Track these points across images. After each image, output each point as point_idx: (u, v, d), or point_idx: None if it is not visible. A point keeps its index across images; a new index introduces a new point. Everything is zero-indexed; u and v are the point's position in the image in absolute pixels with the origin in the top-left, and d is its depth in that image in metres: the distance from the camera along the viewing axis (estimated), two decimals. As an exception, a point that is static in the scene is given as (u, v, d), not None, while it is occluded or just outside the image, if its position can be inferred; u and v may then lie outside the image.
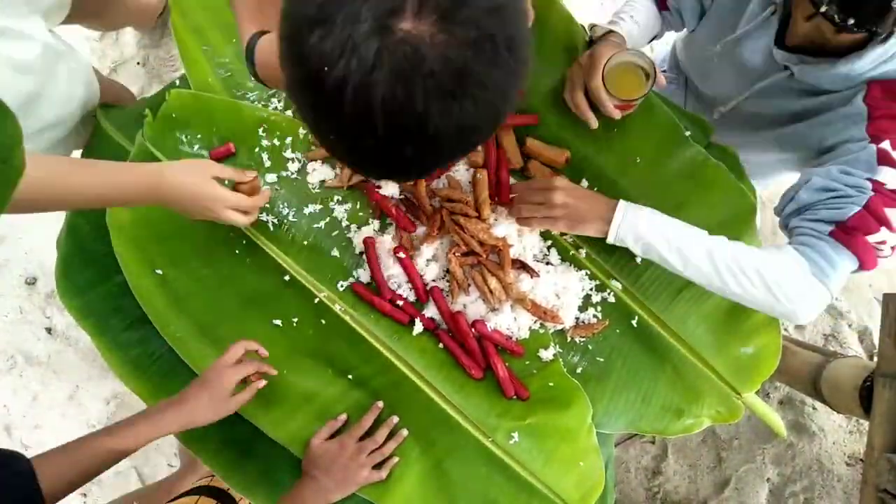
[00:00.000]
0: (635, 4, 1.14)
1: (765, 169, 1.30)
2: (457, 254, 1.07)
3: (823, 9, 0.85)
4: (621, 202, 1.00)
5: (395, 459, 1.03)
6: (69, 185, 0.82)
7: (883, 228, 0.93)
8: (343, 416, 1.04)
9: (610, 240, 1.00)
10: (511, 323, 1.08)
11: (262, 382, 0.97)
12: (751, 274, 0.95)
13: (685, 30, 1.23)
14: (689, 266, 0.97)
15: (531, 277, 1.08)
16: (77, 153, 1.22)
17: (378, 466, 1.01)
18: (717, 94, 1.24)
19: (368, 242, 1.07)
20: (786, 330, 1.96)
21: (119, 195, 0.88)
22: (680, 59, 1.38)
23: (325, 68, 0.48)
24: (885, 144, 0.94)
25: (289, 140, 1.10)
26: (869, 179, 0.93)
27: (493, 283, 1.06)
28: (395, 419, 1.04)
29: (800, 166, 1.18)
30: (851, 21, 0.84)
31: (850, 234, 0.93)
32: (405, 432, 1.04)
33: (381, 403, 1.04)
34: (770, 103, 1.12)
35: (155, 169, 0.90)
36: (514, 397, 1.06)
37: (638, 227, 0.98)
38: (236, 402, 0.93)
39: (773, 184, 1.42)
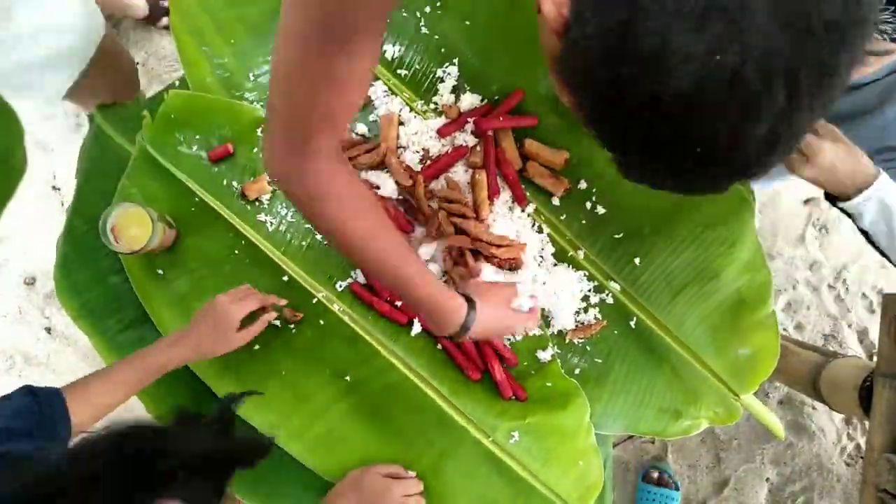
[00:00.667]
0: None
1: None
2: (451, 253, 1.07)
3: None
4: (880, 181, 0.91)
5: None
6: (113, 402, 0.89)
7: None
8: (412, 474, 1.04)
9: (847, 206, 0.94)
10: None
11: (272, 315, 0.97)
12: None
13: None
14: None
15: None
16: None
17: None
18: None
19: None
20: (785, 330, 1.96)
21: (130, 392, 0.92)
22: None
23: (717, 57, 0.42)
24: None
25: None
26: None
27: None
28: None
29: None
30: None
31: None
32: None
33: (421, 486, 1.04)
34: None
35: (155, 356, 0.93)
36: (513, 398, 1.07)
37: (886, 200, 0.92)
38: (246, 333, 0.93)
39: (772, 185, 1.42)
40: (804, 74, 0.44)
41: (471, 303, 0.87)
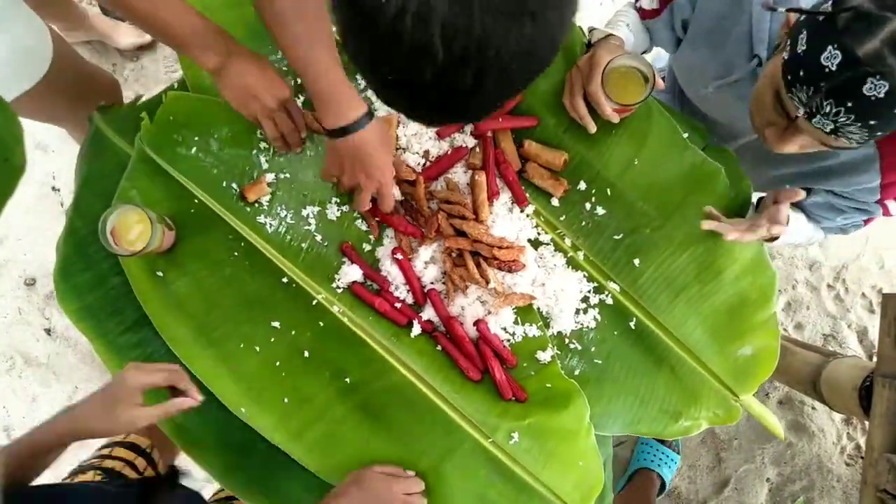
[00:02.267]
0: (628, 12, 1.14)
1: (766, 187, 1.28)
2: (451, 254, 1.07)
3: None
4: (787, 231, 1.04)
5: None
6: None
7: None
8: (411, 473, 1.04)
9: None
10: (510, 323, 1.08)
11: (184, 402, 0.85)
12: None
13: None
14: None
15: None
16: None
17: None
18: (722, 127, 1.22)
19: (346, 249, 1.08)
20: (785, 330, 1.96)
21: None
22: (677, 78, 1.26)
23: (383, 1, 0.48)
24: (890, 203, 1.04)
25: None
26: (866, 222, 1.13)
27: (490, 274, 1.06)
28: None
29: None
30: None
31: (869, 219, 1.13)
32: None
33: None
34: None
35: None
36: (513, 399, 1.07)
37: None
38: (138, 414, 0.79)
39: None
40: (465, 41, 0.49)
41: (370, 112, 0.94)
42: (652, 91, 0.98)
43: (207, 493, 1.76)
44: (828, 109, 0.76)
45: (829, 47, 0.73)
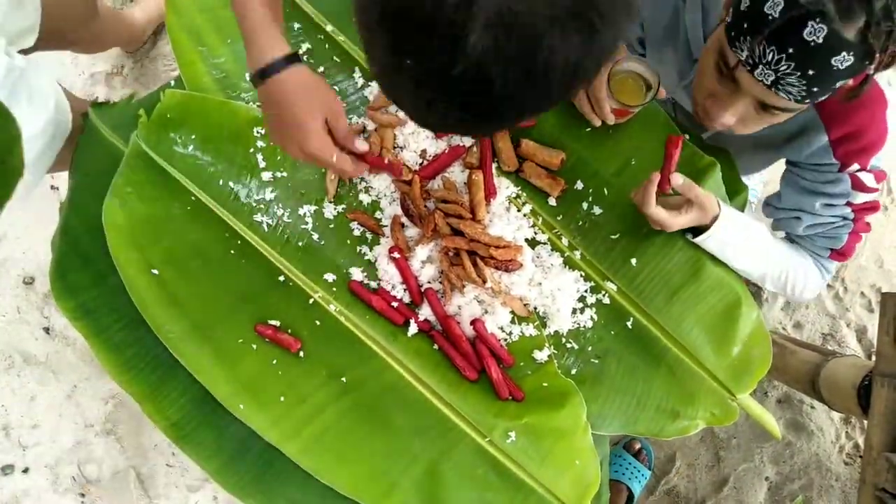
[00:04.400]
0: None
1: (757, 165, 1.30)
2: (448, 254, 1.07)
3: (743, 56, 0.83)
4: (721, 218, 1.04)
5: None
6: None
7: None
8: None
9: (697, 240, 1.07)
10: (507, 323, 1.08)
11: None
12: (780, 275, 1.13)
13: None
14: (739, 266, 1.11)
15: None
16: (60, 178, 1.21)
17: None
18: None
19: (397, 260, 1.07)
20: (784, 329, 1.96)
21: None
22: None
23: None
24: (855, 168, 1.02)
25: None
26: (848, 203, 1.06)
27: (487, 273, 1.05)
28: None
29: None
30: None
31: (844, 253, 1.12)
32: None
33: None
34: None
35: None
36: (510, 398, 1.06)
37: (724, 237, 1.06)
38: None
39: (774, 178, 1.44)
40: (508, 31, 0.45)
41: (291, 62, 0.81)
42: (653, 98, 0.98)
43: (205, 492, 1.76)
44: (770, 57, 0.79)
45: None
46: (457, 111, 0.53)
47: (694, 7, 1.03)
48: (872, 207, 1.06)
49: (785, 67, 0.79)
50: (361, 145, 0.87)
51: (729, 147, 1.17)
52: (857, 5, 0.73)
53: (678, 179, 1.00)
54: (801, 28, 0.76)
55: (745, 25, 0.81)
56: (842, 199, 1.06)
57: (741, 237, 1.07)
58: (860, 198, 1.05)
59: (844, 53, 0.76)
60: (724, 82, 0.90)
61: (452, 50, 0.46)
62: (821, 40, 0.75)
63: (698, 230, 1.07)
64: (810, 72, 0.78)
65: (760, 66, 0.81)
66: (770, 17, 0.78)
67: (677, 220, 1.02)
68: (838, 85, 0.81)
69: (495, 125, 0.61)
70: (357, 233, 1.10)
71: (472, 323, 1.06)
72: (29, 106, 1.09)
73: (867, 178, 1.03)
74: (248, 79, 1.11)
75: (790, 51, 0.78)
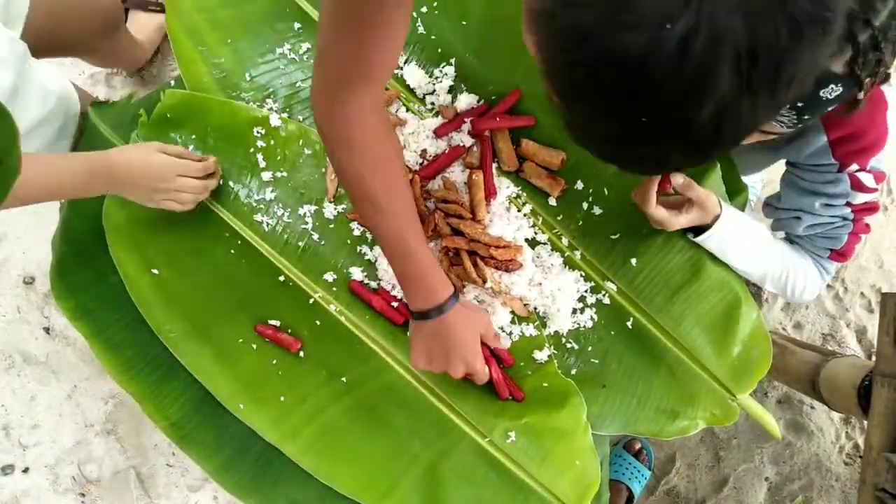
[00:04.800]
0: None
1: (758, 165, 1.30)
2: (448, 254, 1.07)
3: None
4: (722, 218, 1.04)
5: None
6: None
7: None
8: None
9: (698, 240, 1.07)
10: (507, 323, 1.08)
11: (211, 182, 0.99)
12: (780, 276, 1.12)
13: None
14: (740, 265, 1.10)
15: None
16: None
17: None
18: None
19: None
20: (784, 329, 1.96)
21: (70, 182, 0.88)
22: None
23: (668, 25, 0.42)
24: (854, 169, 1.02)
25: (283, 138, 1.10)
26: (847, 204, 1.05)
27: (487, 273, 1.05)
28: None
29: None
30: None
31: (843, 254, 1.12)
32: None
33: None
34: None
35: (102, 153, 0.92)
36: (510, 398, 1.06)
37: (725, 236, 1.06)
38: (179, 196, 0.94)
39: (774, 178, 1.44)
40: (754, 59, 0.44)
41: (455, 294, 0.92)
42: None
43: (206, 492, 1.76)
44: None
45: None
46: (693, 155, 0.53)
47: None
48: (872, 208, 1.06)
49: None
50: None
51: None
52: (844, 41, 0.74)
53: (678, 178, 1.00)
54: None
55: None
56: (841, 199, 1.05)
57: (742, 237, 1.07)
58: (859, 198, 1.05)
59: (832, 86, 0.78)
60: None
61: (699, 97, 0.45)
62: None
63: (699, 230, 1.07)
64: (799, 104, 0.81)
65: None
66: None
67: (678, 220, 1.02)
68: (831, 108, 0.82)
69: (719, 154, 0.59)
70: (357, 233, 1.10)
71: None
72: (39, 89, 1.10)
73: (867, 179, 1.03)
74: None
75: None
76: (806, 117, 0.83)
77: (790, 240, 1.15)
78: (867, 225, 1.09)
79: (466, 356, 0.94)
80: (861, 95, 0.81)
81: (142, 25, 1.80)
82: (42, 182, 0.84)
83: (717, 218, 1.04)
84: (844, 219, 1.08)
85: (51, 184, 0.86)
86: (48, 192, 0.87)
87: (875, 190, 1.04)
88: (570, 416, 1.06)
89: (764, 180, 1.83)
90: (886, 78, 0.80)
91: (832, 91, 0.78)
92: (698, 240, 1.07)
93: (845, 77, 0.77)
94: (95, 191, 0.92)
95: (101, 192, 0.95)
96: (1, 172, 0.59)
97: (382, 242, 0.90)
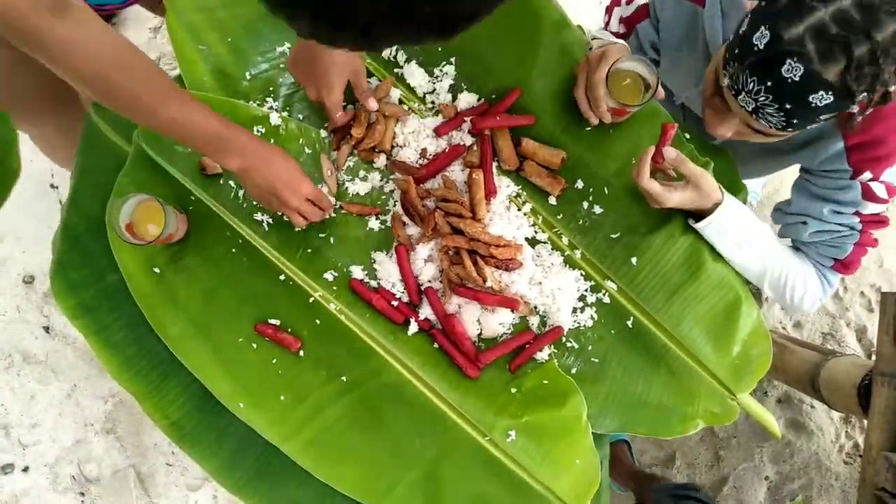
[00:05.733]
0: (603, 33, 1.16)
1: (769, 169, 1.29)
2: (449, 253, 1.07)
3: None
4: (722, 206, 1.04)
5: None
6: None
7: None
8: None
9: (697, 226, 1.07)
10: (507, 322, 1.08)
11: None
12: (779, 277, 1.11)
13: None
14: (738, 259, 1.10)
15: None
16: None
17: None
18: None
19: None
20: (784, 329, 1.96)
21: (203, 130, 0.87)
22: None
23: None
24: (867, 177, 1.02)
25: (283, 136, 1.10)
26: (856, 213, 1.05)
27: (487, 272, 1.05)
28: None
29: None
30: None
31: (847, 265, 1.11)
32: None
33: None
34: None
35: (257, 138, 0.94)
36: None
37: (724, 225, 1.06)
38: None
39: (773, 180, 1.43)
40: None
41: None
42: (651, 99, 0.98)
43: (205, 491, 1.77)
44: (751, 86, 0.83)
45: (762, 28, 0.80)
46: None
47: (713, 12, 1.03)
48: (881, 221, 1.06)
49: (763, 98, 0.83)
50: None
51: (740, 150, 1.17)
52: (838, 49, 0.76)
53: (671, 153, 0.99)
54: (780, 64, 0.79)
55: (736, 51, 0.84)
56: (850, 207, 1.05)
57: (742, 229, 1.07)
58: (869, 208, 1.04)
59: (822, 92, 0.78)
60: (720, 98, 0.93)
61: None
62: (797, 78, 0.78)
63: (700, 218, 1.06)
64: (787, 105, 0.81)
65: (743, 93, 0.85)
66: (756, 48, 0.81)
67: (671, 196, 1.01)
68: (822, 118, 0.83)
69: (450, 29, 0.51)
70: (357, 232, 1.10)
71: (446, 319, 1.06)
72: None
73: (878, 189, 1.03)
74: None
75: (768, 83, 0.81)
76: (795, 121, 0.83)
77: (796, 248, 1.15)
78: (875, 239, 1.09)
79: (324, 80, 0.98)
80: (855, 110, 0.80)
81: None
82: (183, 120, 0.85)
83: (717, 205, 1.03)
84: (852, 228, 1.07)
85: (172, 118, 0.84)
86: (181, 126, 0.86)
87: (886, 201, 1.04)
88: (570, 416, 1.06)
89: (764, 183, 1.83)
90: (887, 98, 0.80)
91: (822, 98, 0.79)
92: (697, 226, 1.06)
93: (837, 86, 0.77)
94: (225, 150, 0.90)
95: (223, 157, 0.92)
96: (1, 173, 0.59)
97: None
